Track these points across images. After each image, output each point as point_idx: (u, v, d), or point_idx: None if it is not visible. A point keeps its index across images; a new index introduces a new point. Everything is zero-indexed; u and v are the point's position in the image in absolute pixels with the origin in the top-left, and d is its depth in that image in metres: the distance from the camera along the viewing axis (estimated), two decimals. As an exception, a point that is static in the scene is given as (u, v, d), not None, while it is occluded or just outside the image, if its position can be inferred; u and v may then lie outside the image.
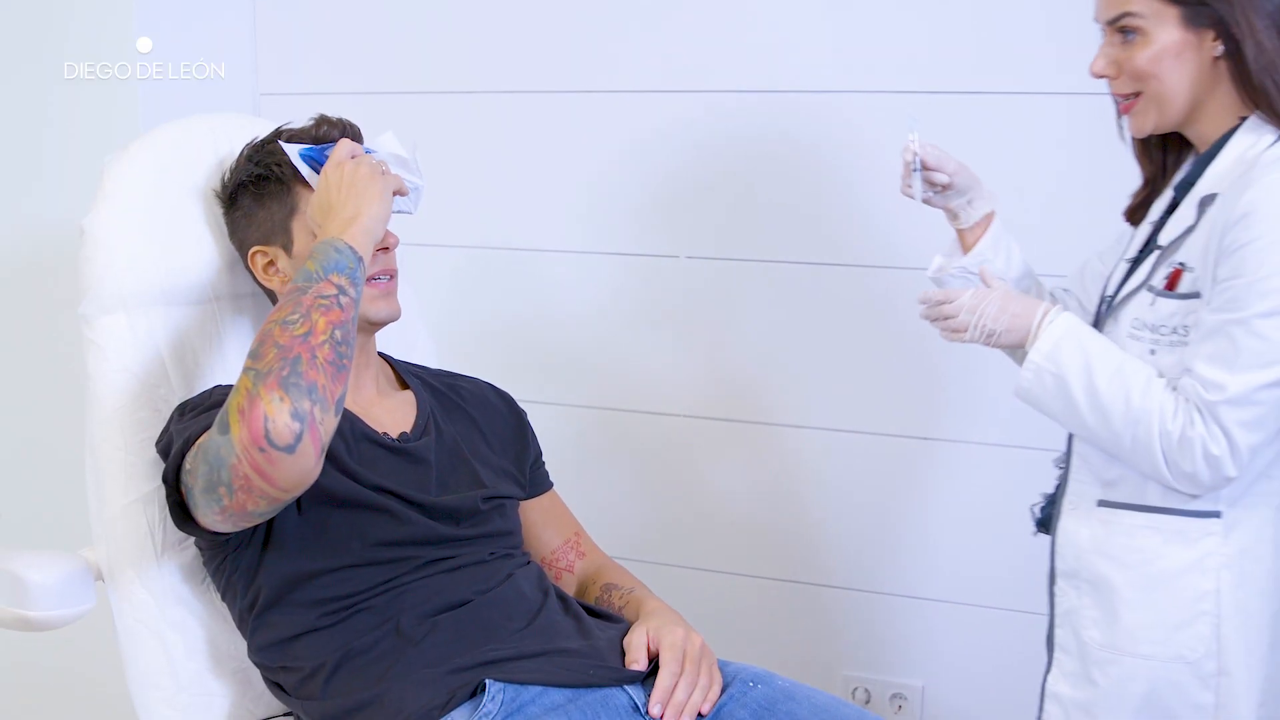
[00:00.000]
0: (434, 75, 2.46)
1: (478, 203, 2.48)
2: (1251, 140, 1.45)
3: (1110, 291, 1.59)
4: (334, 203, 1.50)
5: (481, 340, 2.49)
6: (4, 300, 2.47)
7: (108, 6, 2.33)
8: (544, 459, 1.83)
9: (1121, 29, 1.47)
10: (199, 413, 1.51)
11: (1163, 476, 1.45)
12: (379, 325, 1.65)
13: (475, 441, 1.71)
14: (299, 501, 1.49)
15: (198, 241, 1.69)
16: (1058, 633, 1.59)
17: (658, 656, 1.48)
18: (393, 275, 1.64)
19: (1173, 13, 1.44)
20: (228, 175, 1.68)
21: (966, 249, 1.70)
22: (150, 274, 1.64)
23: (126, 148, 1.69)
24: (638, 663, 1.48)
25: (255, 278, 1.65)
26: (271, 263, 1.62)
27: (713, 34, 2.26)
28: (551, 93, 2.39)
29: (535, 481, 1.79)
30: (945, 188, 1.65)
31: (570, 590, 1.75)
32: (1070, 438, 1.63)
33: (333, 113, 1.68)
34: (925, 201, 1.67)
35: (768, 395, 2.33)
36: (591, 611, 1.64)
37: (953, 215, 1.70)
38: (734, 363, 2.33)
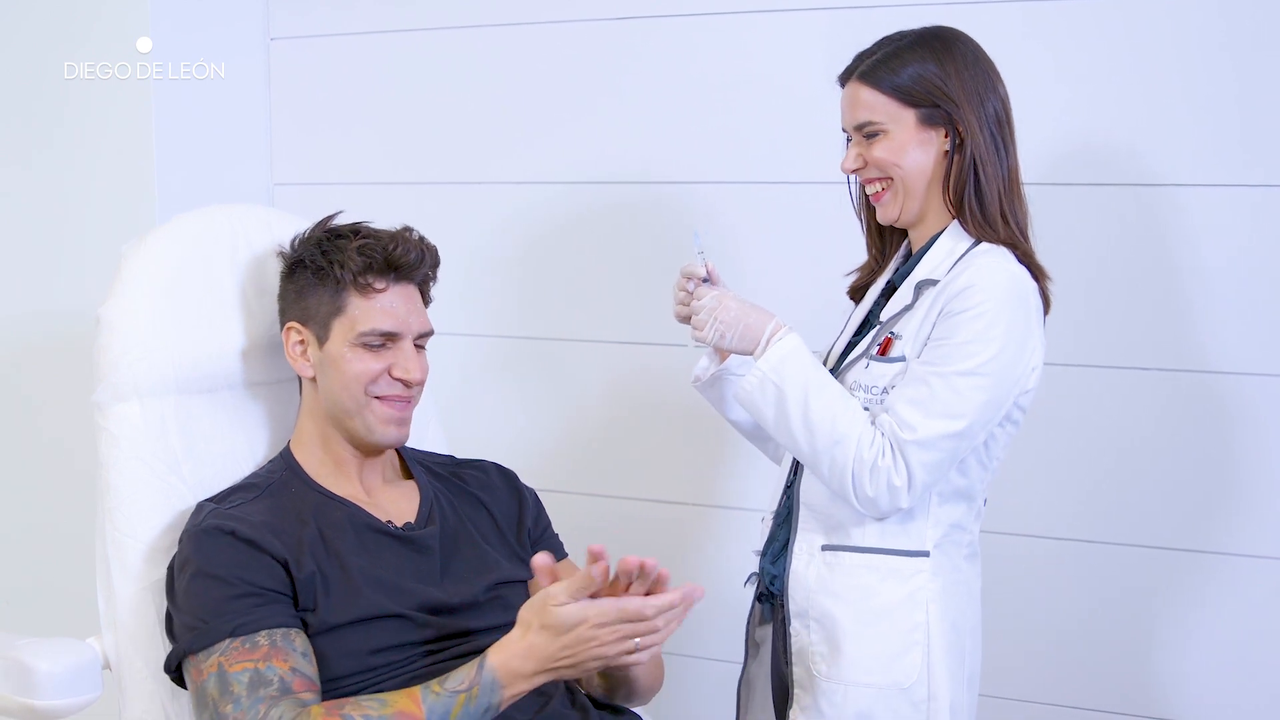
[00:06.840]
0: (447, 166, 2.50)
1: (490, 291, 2.51)
2: (954, 242, 1.66)
3: (832, 365, 1.75)
4: (557, 657, 1.41)
5: (493, 428, 2.50)
6: (12, 385, 2.50)
7: (108, 6, 2.36)
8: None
9: (866, 133, 1.66)
10: (202, 578, 1.49)
11: (847, 495, 1.60)
12: (385, 448, 1.66)
13: (485, 526, 1.72)
14: (306, 625, 1.50)
15: (212, 331, 1.71)
16: (795, 670, 1.70)
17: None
18: (410, 402, 1.65)
19: (910, 114, 1.64)
20: (299, 243, 1.67)
21: (724, 357, 1.82)
22: (164, 362, 1.66)
23: (144, 237, 1.72)
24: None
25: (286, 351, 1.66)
26: (301, 343, 1.64)
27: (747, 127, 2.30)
28: (564, 183, 2.42)
29: (549, 549, 1.73)
30: None
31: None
32: (789, 496, 1.74)
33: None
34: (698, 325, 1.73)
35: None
36: (598, 704, 1.64)
37: None
38: (743, 452, 2.33)
